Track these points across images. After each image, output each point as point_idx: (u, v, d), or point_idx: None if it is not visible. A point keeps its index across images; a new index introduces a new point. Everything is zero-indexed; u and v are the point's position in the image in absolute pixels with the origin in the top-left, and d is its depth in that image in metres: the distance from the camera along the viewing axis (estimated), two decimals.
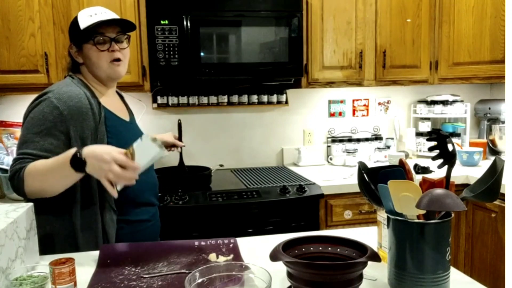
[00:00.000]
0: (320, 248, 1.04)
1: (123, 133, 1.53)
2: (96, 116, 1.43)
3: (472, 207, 2.39)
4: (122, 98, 1.70)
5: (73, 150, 1.28)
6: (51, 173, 1.30)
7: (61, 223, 1.41)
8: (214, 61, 2.37)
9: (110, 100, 1.55)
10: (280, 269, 1.03)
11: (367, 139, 3.01)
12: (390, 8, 2.63)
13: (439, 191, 0.96)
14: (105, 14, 1.47)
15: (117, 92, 1.67)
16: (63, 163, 1.27)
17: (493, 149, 2.88)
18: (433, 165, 2.07)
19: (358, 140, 2.99)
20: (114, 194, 1.26)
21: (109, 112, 1.50)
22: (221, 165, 2.67)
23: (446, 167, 1.09)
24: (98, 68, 1.48)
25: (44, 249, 1.34)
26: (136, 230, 1.53)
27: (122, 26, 1.51)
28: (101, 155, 1.23)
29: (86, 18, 1.45)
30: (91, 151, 1.26)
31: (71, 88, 1.43)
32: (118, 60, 1.49)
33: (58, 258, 1.05)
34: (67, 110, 1.38)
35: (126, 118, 1.61)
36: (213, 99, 2.70)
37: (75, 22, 1.47)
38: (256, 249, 1.32)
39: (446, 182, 1.08)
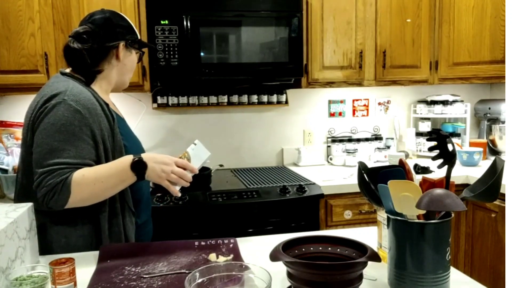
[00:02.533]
0: (320, 248, 1.04)
1: (128, 132, 1.53)
2: (109, 118, 1.40)
3: (472, 207, 2.39)
4: None
5: (129, 157, 1.32)
6: (108, 180, 1.29)
7: (88, 229, 1.38)
8: (214, 61, 2.37)
9: (107, 99, 1.53)
10: (280, 269, 1.03)
11: (367, 139, 3.01)
12: (390, 8, 2.63)
13: (439, 191, 0.96)
14: None
15: None
16: (122, 168, 1.30)
17: (493, 149, 2.88)
18: (433, 165, 2.07)
19: (358, 140, 2.99)
20: (178, 193, 1.34)
21: (114, 111, 1.48)
22: (221, 165, 2.67)
23: (446, 167, 1.09)
24: (126, 75, 1.54)
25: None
26: (144, 232, 1.53)
27: None
28: (162, 158, 1.32)
29: (135, 29, 1.54)
30: (151, 156, 1.33)
31: (82, 89, 1.37)
32: None
33: (58, 258, 1.05)
34: (88, 113, 1.33)
35: (121, 115, 1.60)
36: (213, 99, 2.70)
37: (129, 24, 1.51)
38: (256, 249, 1.32)
39: (446, 182, 1.08)
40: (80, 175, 1.27)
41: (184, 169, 1.34)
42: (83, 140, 1.31)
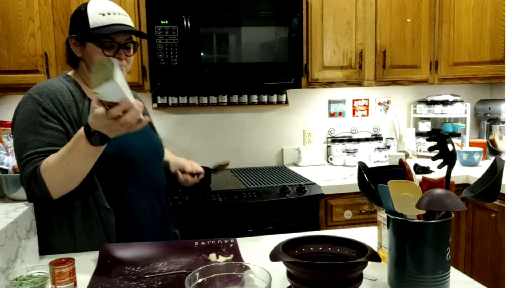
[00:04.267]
0: (320, 248, 1.03)
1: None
2: (79, 106, 1.38)
3: (472, 207, 2.39)
4: None
5: (80, 130, 1.22)
6: (70, 159, 1.25)
7: (66, 231, 1.36)
8: (214, 61, 2.37)
9: None
10: (280, 269, 1.03)
11: (367, 139, 3.01)
12: (390, 8, 2.63)
13: (439, 191, 0.96)
14: (118, 16, 1.39)
15: None
16: (78, 144, 1.22)
17: (493, 149, 2.88)
18: (433, 165, 2.07)
19: (358, 140, 2.99)
20: (146, 119, 1.20)
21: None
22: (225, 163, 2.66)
23: (446, 167, 1.09)
24: None
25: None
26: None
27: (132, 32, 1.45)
28: (96, 115, 1.15)
29: (97, 16, 1.36)
30: (92, 118, 1.17)
31: (52, 82, 1.41)
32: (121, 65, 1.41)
33: (58, 258, 1.05)
34: (51, 103, 1.34)
35: None
36: (213, 99, 2.70)
37: (83, 14, 1.37)
38: (256, 249, 1.32)
39: (446, 182, 1.08)
40: (45, 162, 1.27)
41: (125, 112, 1.14)
42: (51, 127, 1.32)
